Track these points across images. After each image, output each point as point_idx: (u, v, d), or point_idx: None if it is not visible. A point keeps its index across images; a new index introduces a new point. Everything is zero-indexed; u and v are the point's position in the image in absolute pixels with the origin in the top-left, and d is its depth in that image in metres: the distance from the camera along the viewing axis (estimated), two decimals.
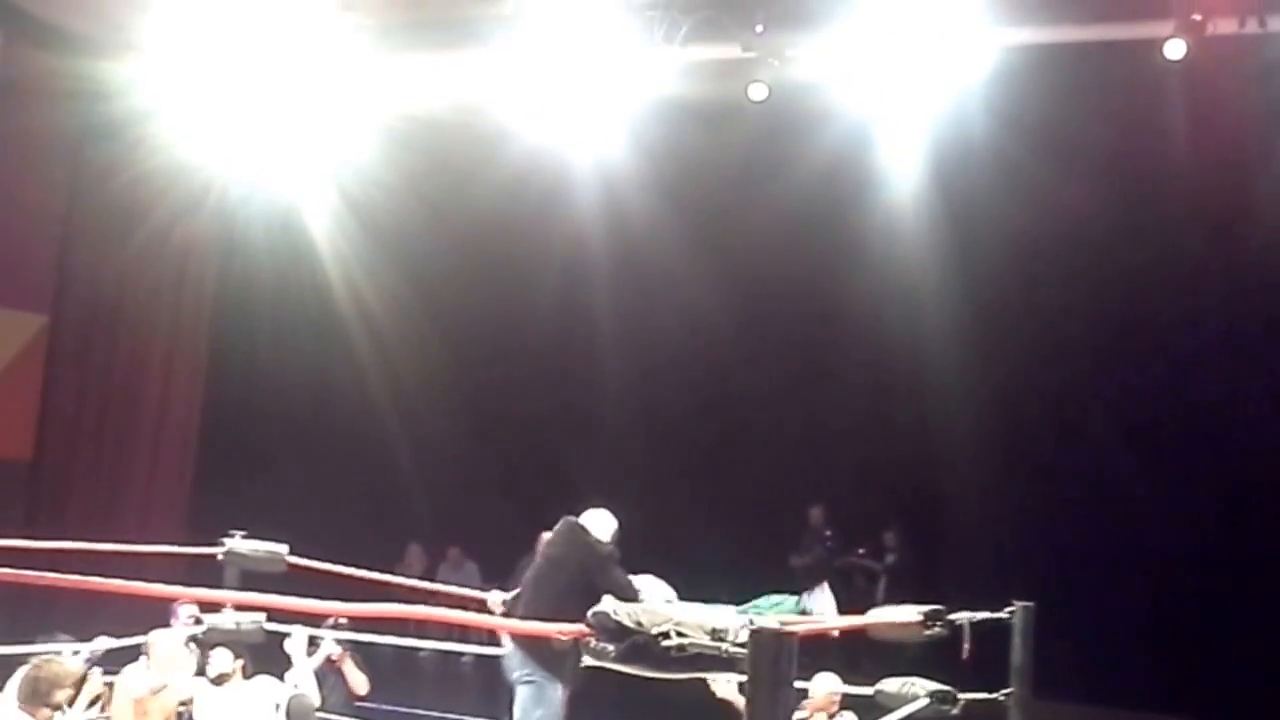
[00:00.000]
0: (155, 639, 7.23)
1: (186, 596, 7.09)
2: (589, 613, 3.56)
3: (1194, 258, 10.92)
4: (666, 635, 3.41)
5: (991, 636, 6.26)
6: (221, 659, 7.38)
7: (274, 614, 7.38)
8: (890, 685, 6.15)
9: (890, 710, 5.85)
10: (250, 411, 13.26)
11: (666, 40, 10.11)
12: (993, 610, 6.26)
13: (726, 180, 12.08)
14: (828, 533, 13.08)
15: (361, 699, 8.69)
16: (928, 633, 6.09)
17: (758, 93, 10.24)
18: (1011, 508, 11.94)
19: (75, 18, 11.44)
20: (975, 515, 12.08)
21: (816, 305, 12.57)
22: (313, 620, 7.65)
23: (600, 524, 7.11)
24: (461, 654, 8.56)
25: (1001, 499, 11.98)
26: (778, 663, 3.14)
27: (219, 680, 7.35)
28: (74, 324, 13.08)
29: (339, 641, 8.43)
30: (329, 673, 8.75)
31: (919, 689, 6.05)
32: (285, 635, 7.76)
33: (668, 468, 12.98)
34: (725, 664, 3.41)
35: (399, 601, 11.59)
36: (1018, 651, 6.14)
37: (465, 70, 11.02)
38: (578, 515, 7.08)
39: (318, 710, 7.75)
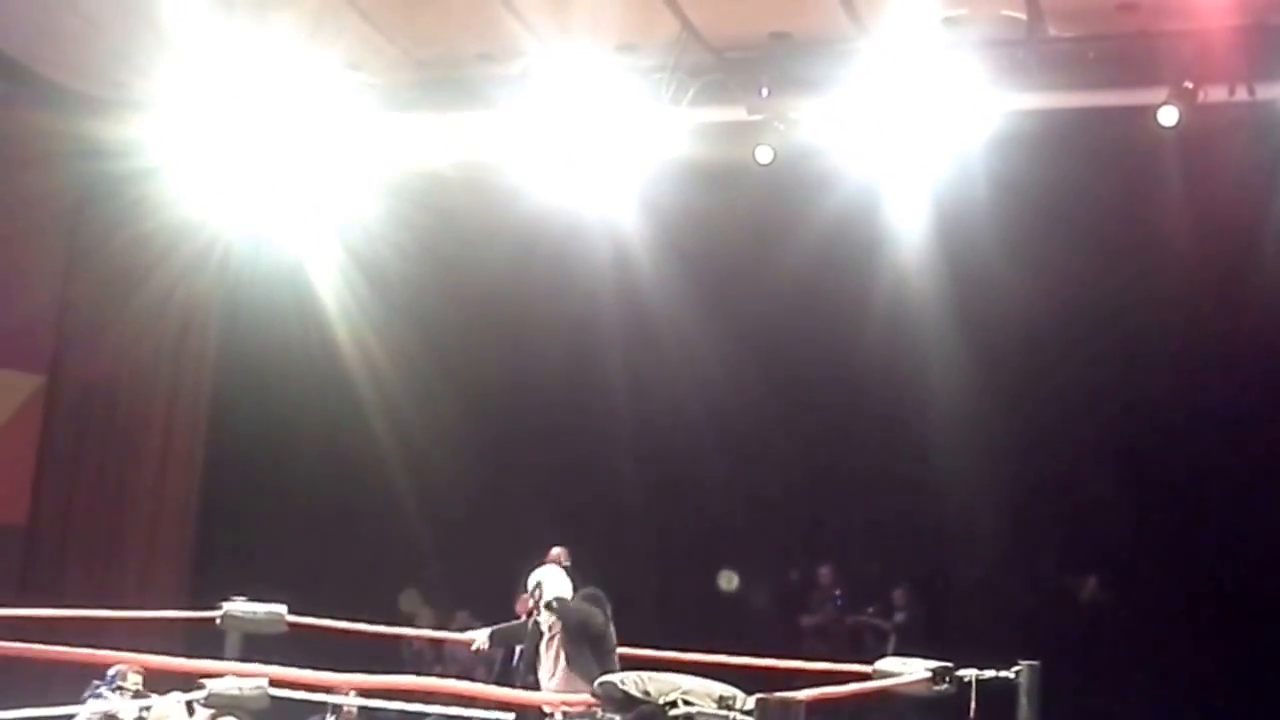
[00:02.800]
0: (158, 706, 7.25)
1: (191, 667, 7.13)
2: (595, 683, 3.61)
3: (1193, 320, 11.08)
4: (674, 704, 3.47)
5: (999, 694, 6.30)
6: None
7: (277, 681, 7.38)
8: None
9: None
10: (252, 473, 13.26)
11: (674, 102, 10.30)
12: (1000, 668, 6.32)
13: (734, 240, 12.22)
14: (837, 592, 13.10)
15: None
16: (936, 689, 6.16)
17: (764, 155, 10.41)
18: (1020, 567, 11.99)
19: (75, 76, 11.57)
20: (984, 573, 12.12)
21: (825, 365, 12.65)
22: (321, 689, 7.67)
23: (552, 584, 7.14)
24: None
25: (1010, 557, 12.03)
26: None
27: None
28: (72, 385, 13.05)
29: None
30: None
31: None
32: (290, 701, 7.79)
33: (677, 527, 13.02)
34: None
35: (405, 657, 11.67)
36: (1024, 711, 6.19)
37: (473, 130, 11.19)
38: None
39: None
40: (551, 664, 6.90)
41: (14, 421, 12.69)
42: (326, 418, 13.33)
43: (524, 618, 7.43)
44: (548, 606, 7.00)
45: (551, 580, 7.16)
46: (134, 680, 7.64)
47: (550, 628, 7.02)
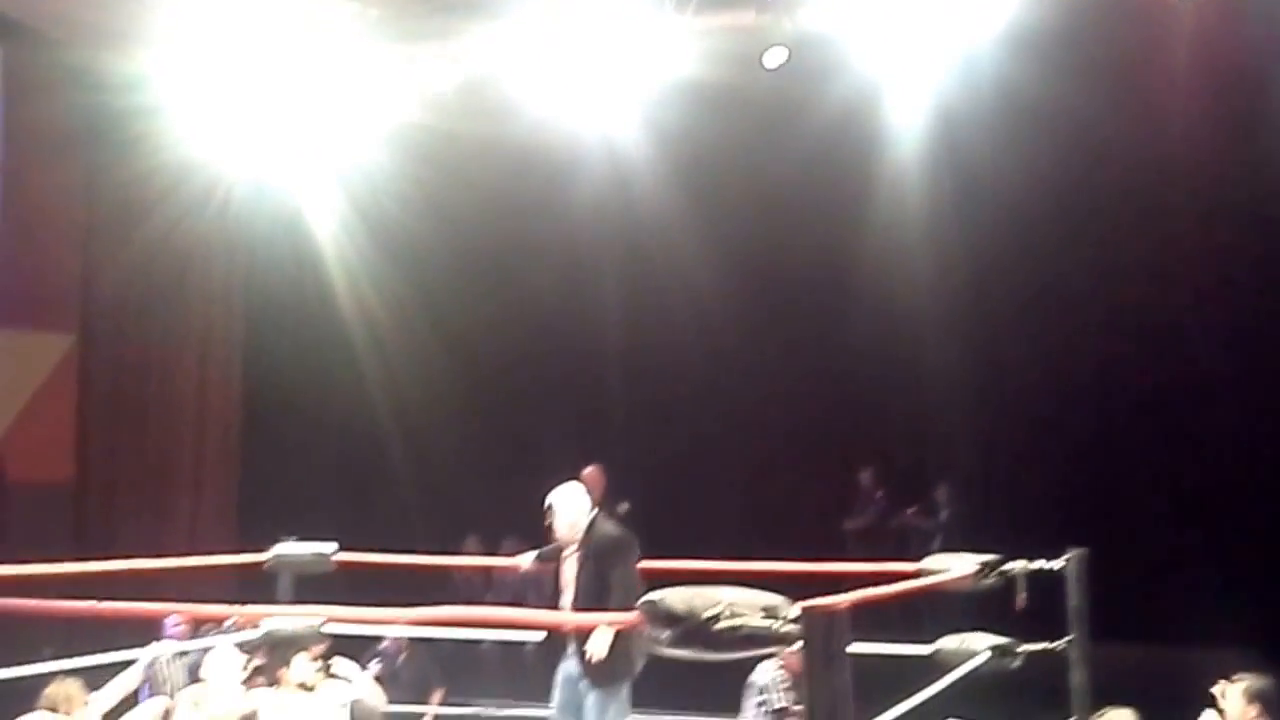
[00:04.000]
0: (211, 657, 7.35)
1: (236, 614, 7.24)
2: (640, 602, 3.63)
3: (1205, 202, 11.05)
4: (718, 618, 3.48)
5: (1048, 585, 6.32)
6: (303, 668, 7.52)
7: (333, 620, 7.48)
8: (949, 643, 6.22)
9: (951, 668, 5.93)
10: (288, 418, 13.39)
11: (679, 9, 10.18)
12: (1048, 558, 6.32)
13: (733, 156, 12.20)
14: (879, 494, 13.15)
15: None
16: (983, 583, 6.18)
17: (773, 59, 10.29)
18: (1062, 453, 12.01)
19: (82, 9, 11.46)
20: (1027, 464, 12.17)
21: (839, 269, 12.68)
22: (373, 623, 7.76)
23: (563, 504, 7.14)
24: (523, 643, 8.71)
25: (1052, 445, 12.05)
26: (830, 637, 3.22)
27: (302, 688, 7.50)
28: (103, 341, 13.13)
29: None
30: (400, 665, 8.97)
31: (978, 644, 6.12)
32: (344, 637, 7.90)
33: (705, 448, 13.10)
34: (779, 641, 3.47)
35: (455, 585, 11.81)
36: (1074, 598, 6.20)
37: (470, 50, 11.10)
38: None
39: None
40: (572, 586, 6.96)
41: (51, 382, 12.80)
42: (354, 357, 13.43)
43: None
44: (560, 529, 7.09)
45: (563, 500, 7.17)
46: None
47: (568, 550, 7.08)
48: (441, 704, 9.58)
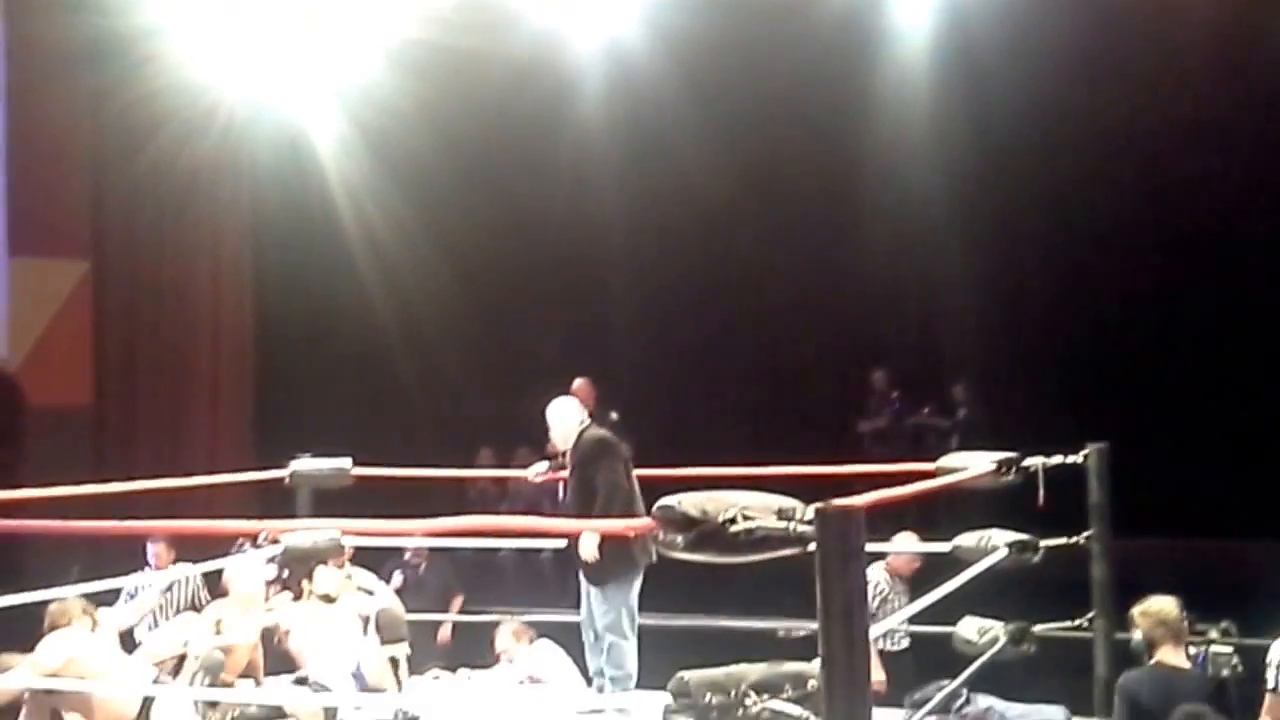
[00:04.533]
0: (230, 570, 7.42)
1: (257, 530, 7.29)
2: (655, 506, 3.62)
3: (1220, 88, 10.92)
4: (734, 520, 3.46)
5: (1068, 480, 6.31)
6: (327, 578, 7.61)
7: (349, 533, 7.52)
8: (968, 540, 6.22)
9: (969, 565, 5.93)
10: (299, 336, 13.42)
11: None
12: (1067, 454, 6.31)
13: (740, 47, 12.06)
14: (894, 395, 13.14)
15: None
16: (1002, 481, 6.16)
17: None
18: (1080, 349, 11.97)
19: None
20: (1044, 361, 12.13)
21: (848, 170, 12.61)
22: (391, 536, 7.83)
23: (559, 417, 7.22)
24: (540, 550, 8.81)
25: (1069, 341, 12.02)
26: (846, 536, 3.20)
27: (328, 600, 7.59)
28: (116, 266, 13.17)
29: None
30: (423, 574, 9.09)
31: (997, 540, 6.12)
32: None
33: (716, 354, 13.09)
34: (794, 543, 3.46)
35: (471, 498, 11.92)
36: (1094, 493, 6.20)
37: None
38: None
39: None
40: (574, 496, 7.05)
41: (67, 308, 12.88)
42: (361, 273, 13.44)
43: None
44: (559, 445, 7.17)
45: (555, 413, 7.28)
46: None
47: (564, 459, 7.19)
48: (462, 612, 9.70)
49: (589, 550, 6.83)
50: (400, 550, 9.56)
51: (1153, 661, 5.72)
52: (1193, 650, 5.84)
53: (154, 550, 8.03)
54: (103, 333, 13.17)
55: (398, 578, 9.35)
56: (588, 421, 7.30)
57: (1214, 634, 5.97)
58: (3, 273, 12.46)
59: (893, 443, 12.37)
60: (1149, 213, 11.72)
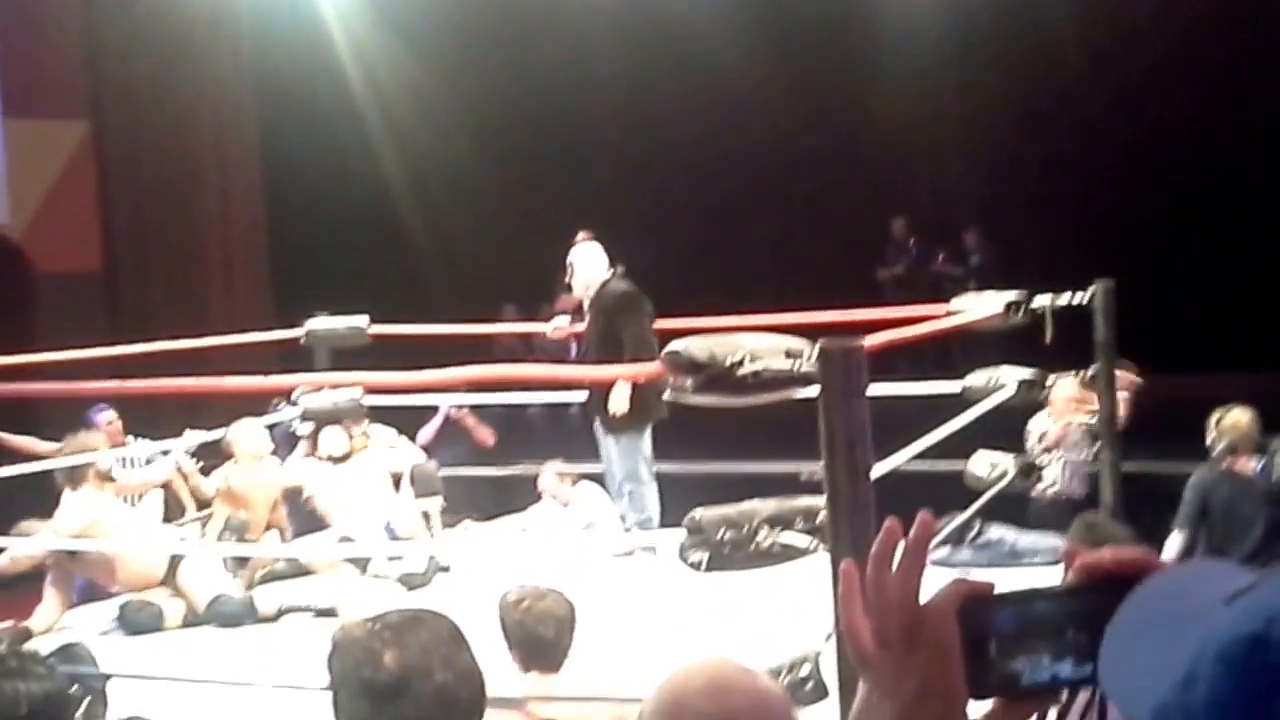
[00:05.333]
0: (235, 430, 7.59)
1: (281, 384, 7.46)
2: (663, 351, 3.76)
3: None
4: (741, 363, 3.60)
5: (1076, 319, 6.44)
6: (336, 439, 7.78)
7: (370, 389, 7.69)
8: (978, 378, 6.39)
9: (979, 403, 6.10)
10: (312, 192, 13.45)
11: None
12: (1076, 290, 6.43)
13: None
14: (912, 243, 13.22)
15: (489, 449, 9.24)
16: (1011, 320, 6.30)
17: None
18: (1089, 191, 12.01)
19: None
20: (1054, 205, 12.18)
21: (860, 16, 12.49)
22: (410, 391, 7.97)
23: (583, 262, 7.27)
24: (568, 404, 8.96)
25: (1078, 184, 12.05)
26: (849, 375, 3.34)
27: (337, 459, 7.77)
28: (116, 125, 13.06)
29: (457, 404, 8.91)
30: (453, 431, 9.27)
31: (1007, 378, 6.29)
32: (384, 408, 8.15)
33: (731, 205, 13.14)
34: (801, 383, 3.60)
35: (496, 355, 12.08)
36: (1100, 329, 6.32)
37: None
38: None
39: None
40: (596, 347, 7.17)
41: (68, 170, 12.84)
42: (369, 129, 13.43)
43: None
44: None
45: (581, 258, 7.36)
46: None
47: (588, 308, 7.30)
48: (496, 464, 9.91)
49: (620, 403, 6.94)
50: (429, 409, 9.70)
51: (1224, 467, 6.19)
52: (1253, 462, 6.26)
53: (103, 420, 7.90)
54: (108, 196, 13.14)
55: (426, 434, 9.45)
56: (612, 271, 7.35)
57: (1276, 444, 6.39)
58: None
59: (912, 290, 12.47)
60: (1153, 52, 11.61)
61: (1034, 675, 0.95)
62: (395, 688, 1.97)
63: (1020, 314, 6.22)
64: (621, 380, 6.80)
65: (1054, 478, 7.18)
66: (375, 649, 2.00)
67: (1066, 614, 0.95)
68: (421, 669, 1.97)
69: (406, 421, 8.74)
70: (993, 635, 0.95)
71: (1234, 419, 6.30)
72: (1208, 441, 6.34)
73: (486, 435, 9.41)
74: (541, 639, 3.98)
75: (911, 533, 0.99)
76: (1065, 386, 7.07)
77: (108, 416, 7.92)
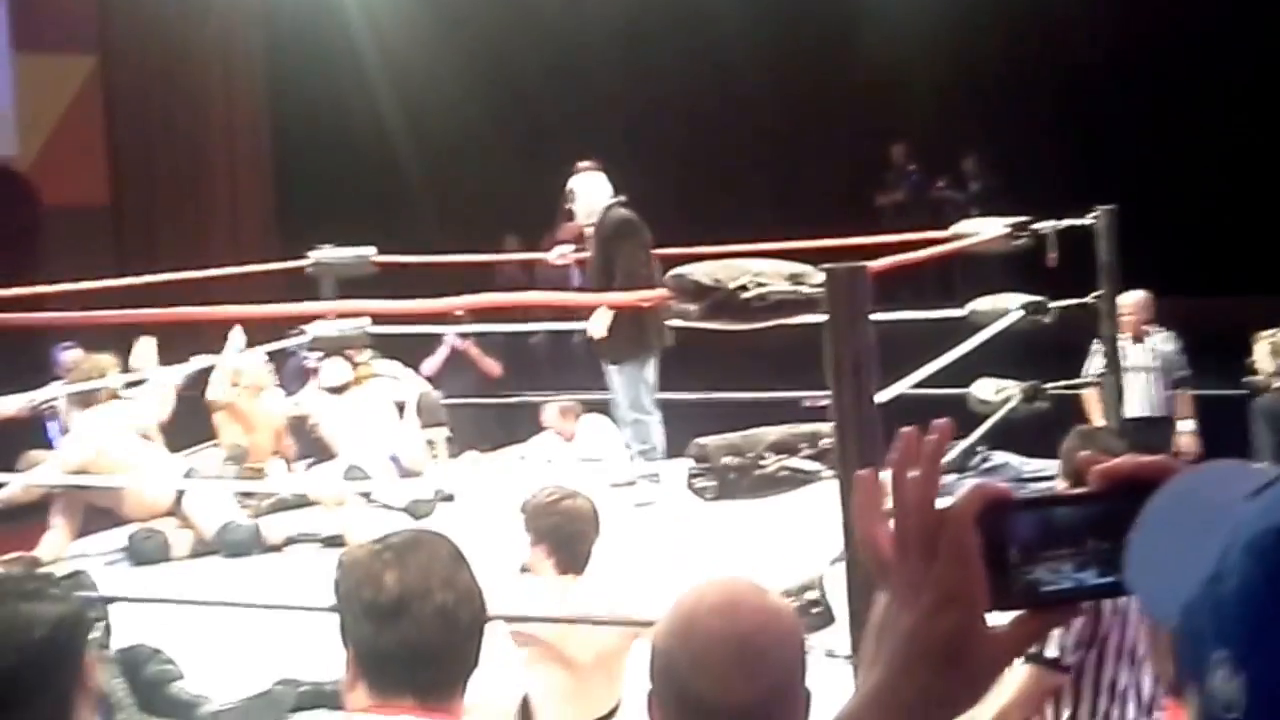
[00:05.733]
0: (239, 360, 7.57)
1: (287, 312, 7.40)
2: (667, 276, 3.72)
3: None
4: (745, 287, 3.56)
5: (1079, 244, 6.39)
6: (337, 369, 7.77)
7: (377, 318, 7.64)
8: (982, 304, 6.34)
9: (983, 328, 6.05)
10: (317, 126, 13.37)
11: None
12: (1077, 217, 6.37)
13: None
14: (911, 168, 13.11)
15: (495, 379, 9.24)
16: (1013, 244, 6.25)
17: None
18: (1091, 115, 11.91)
19: None
20: (1057, 129, 12.09)
21: None
22: (415, 320, 7.96)
23: (584, 190, 7.20)
24: (571, 333, 8.94)
25: (1075, 107, 11.95)
26: (854, 298, 3.30)
27: (338, 390, 7.76)
28: (124, 59, 13.03)
29: (462, 334, 8.89)
30: (458, 362, 9.27)
31: (1010, 303, 6.24)
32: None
33: (730, 130, 13.04)
34: (806, 307, 3.56)
35: (502, 285, 12.08)
36: (1104, 254, 6.26)
37: None
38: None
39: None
40: (594, 274, 7.14)
41: (76, 104, 12.80)
42: (372, 63, 13.32)
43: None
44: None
45: (582, 185, 7.30)
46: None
47: (589, 236, 7.26)
48: (500, 395, 9.90)
49: (598, 327, 6.94)
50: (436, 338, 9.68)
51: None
52: None
53: (65, 359, 7.74)
54: (116, 129, 13.11)
55: (432, 364, 9.42)
56: (615, 199, 7.30)
57: None
58: (8, 69, 12.35)
59: (911, 217, 12.39)
60: None
61: (1055, 584, 0.91)
62: (396, 608, 1.98)
63: (1023, 238, 6.16)
64: (603, 306, 6.80)
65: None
66: (376, 570, 2.00)
67: (1087, 521, 0.91)
68: (421, 590, 1.98)
69: (411, 353, 8.75)
70: (1013, 543, 0.91)
71: None
72: (1255, 363, 6.34)
73: (493, 366, 9.40)
74: (573, 535, 4.01)
75: (929, 438, 0.95)
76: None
77: (73, 355, 7.73)
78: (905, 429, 0.97)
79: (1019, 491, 0.96)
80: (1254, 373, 6.87)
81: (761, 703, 1.68)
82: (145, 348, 7.18)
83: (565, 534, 4.02)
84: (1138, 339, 7.56)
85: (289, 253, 8.92)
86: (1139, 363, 7.36)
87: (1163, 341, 7.58)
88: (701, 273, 3.55)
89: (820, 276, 3.48)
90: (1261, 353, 6.23)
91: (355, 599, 2.01)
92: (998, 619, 0.93)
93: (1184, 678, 0.74)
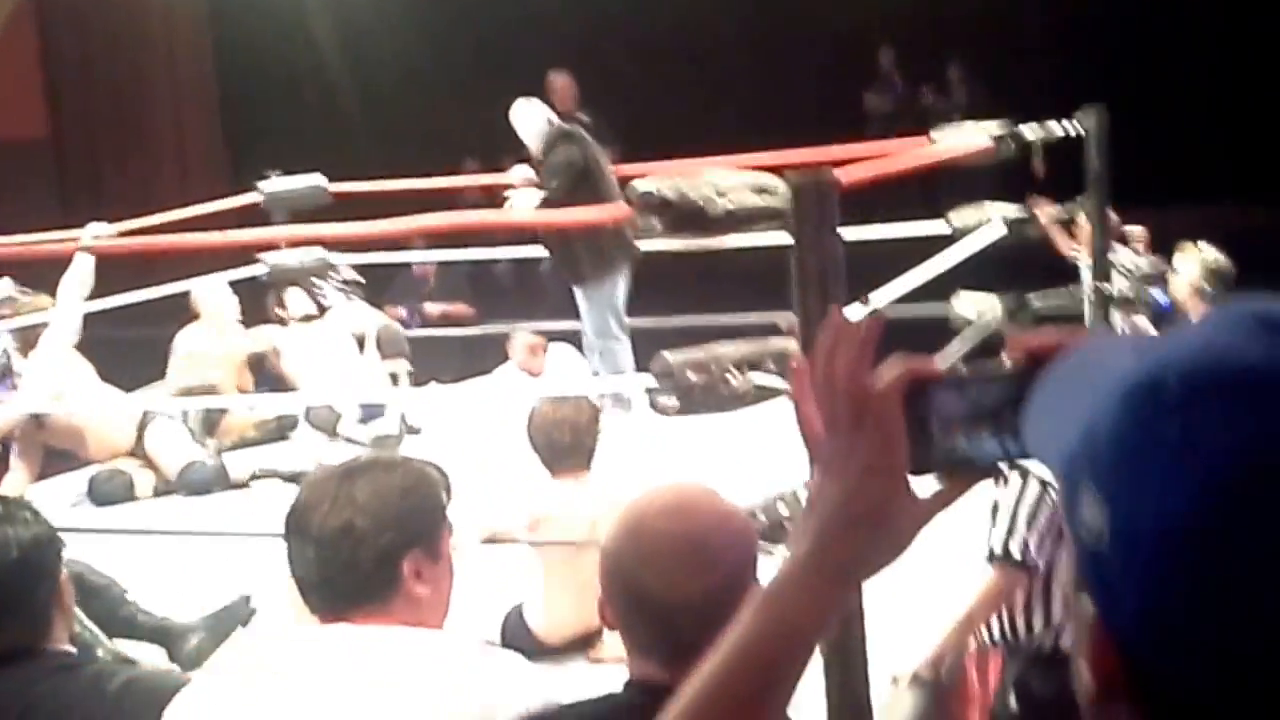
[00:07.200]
0: (197, 290, 7.60)
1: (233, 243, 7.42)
2: (629, 189, 3.75)
3: None
4: (712, 201, 3.60)
5: (1067, 152, 6.42)
6: (300, 301, 7.81)
7: (332, 246, 7.65)
8: (964, 216, 6.39)
9: (967, 241, 6.11)
10: (261, 52, 13.25)
11: None
12: (1064, 120, 6.40)
13: None
14: (896, 76, 13.13)
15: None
16: (999, 153, 6.28)
17: None
18: (1079, 17, 11.92)
19: None
20: (1042, 34, 12.09)
21: None
22: (371, 244, 7.96)
23: (521, 121, 7.29)
24: (538, 259, 8.96)
25: (1065, 9, 11.95)
26: (820, 209, 3.32)
27: (304, 320, 7.82)
28: None
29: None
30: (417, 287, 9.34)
31: (994, 215, 6.29)
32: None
33: (712, 35, 12.98)
34: (772, 218, 3.60)
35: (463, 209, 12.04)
36: (1092, 158, 6.28)
37: None
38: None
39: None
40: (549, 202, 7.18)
41: (7, 34, 12.66)
42: None
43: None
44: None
45: (516, 117, 7.33)
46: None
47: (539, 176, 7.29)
48: (466, 325, 9.96)
49: (523, 206, 7.03)
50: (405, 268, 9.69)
51: None
52: None
53: None
54: (52, 58, 12.98)
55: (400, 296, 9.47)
56: (556, 122, 7.32)
57: None
58: None
59: (896, 125, 12.37)
60: None
61: (972, 453, 1.02)
62: (299, 525, 2.05)
63: (1009, 145, 6.18)
64: (523, 187, 6.82)
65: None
66: (314, 500, 2.05)
67: (1004, 394, 1.00)
68: (327, 509, 2.03)
69: (372, 284, 8.79)
70: (934, 415, 1.02)
71: None
72: (1172, 272, 6.23)
73: (463, 310, 9.47)
74: (558, 444, 4.54)
75: (862, 325, 1.04)
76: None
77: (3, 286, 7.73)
78: (832, 311, 1.05)
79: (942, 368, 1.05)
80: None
81: (710, 601, 1.74)
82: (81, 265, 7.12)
83: (548, 442, 4.54)
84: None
85: (238, 182, 8.90)
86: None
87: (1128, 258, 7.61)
88: (666, 186, 3.58)
89: (785, 186, 3.51)
90: (1186, 266, 6.07)
91: (293, 524, 2.08)
92: (919, 485, 1.02)
93: (1065, 520, 0.83)
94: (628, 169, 6.96)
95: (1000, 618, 3.88)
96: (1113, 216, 6.78)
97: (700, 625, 1.73)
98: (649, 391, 4.02)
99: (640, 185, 3.67)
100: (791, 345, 3.55)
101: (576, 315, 7.58)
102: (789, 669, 1.05)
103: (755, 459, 5.20)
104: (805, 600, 1.03)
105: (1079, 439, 0.80)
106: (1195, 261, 6.23)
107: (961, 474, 1.04)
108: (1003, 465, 1.02)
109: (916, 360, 1.04)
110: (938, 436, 1.02)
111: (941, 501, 1.04)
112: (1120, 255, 7.38)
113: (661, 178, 3.68)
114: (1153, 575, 0.74)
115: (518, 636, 4.36)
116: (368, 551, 2.01)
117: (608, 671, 3.47)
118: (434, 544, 2.09)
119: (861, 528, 1.02)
